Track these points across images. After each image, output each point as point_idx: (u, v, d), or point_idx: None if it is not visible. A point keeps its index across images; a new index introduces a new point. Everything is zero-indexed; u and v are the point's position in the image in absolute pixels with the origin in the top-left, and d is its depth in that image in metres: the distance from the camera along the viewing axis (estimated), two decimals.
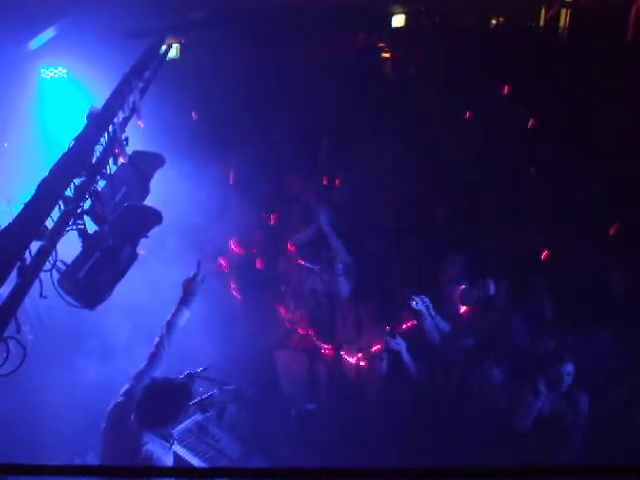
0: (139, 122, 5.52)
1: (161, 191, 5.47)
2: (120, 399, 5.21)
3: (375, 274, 7.80)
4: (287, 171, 9.78)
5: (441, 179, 8.84)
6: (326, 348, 7.65)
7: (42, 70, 9.40)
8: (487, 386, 6.35)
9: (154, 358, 5.42)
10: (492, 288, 6.96)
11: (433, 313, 6.77)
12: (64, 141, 4.34)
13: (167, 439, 5.09)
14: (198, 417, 6.17)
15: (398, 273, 7.68)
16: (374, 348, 6.87)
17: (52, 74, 9.39)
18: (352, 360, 7.25)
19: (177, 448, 5.97)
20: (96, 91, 8.31)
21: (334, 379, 7.59)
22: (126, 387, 5.27)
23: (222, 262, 8.71)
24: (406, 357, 6.62)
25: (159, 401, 5.00)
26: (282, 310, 8.07)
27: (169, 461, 5.03)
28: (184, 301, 5.72)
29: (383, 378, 6.89)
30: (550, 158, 8.56)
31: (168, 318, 5.63)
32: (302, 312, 7.94)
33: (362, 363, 7.07)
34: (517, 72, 10.14)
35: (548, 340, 6.47)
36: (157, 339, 5.51)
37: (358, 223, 8.51)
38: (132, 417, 5.02)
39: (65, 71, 9.43)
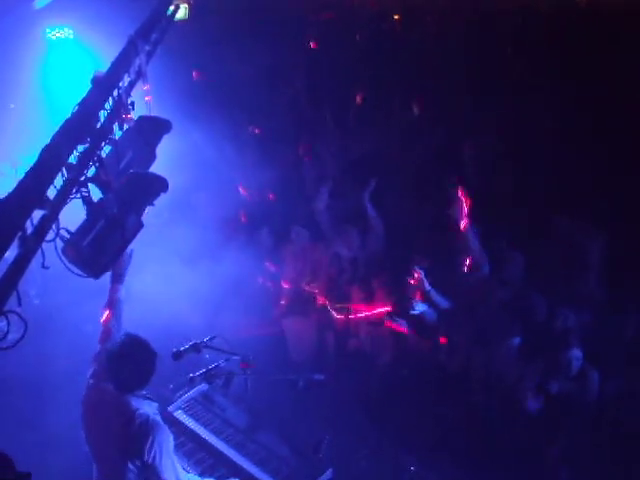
0: (146, 98, 5.37)
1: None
2: (90, 382, 5.20)
3: (391, 242, 7.72)
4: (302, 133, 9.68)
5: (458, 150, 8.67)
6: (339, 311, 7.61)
7: (48, 30, 9.23)
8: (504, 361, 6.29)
9: (106, 336, 5.39)
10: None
11: (428, 287, 6.69)
12: (69, 104, 4.23)
13: (152, 398, 5.04)
14: (204, 387, 6.14)
15: (413, 242, 7.59)
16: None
17: (58, 35, 9.21)
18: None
19: (183, 417, 5.96)
20: (103, 53, 8.17)
21: (343, 348, 7.55)
22: (90, 370, 5.26)
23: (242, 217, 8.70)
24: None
25: (126, 362, 4.90)
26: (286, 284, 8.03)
27: (159, 419, 4.97)
28: (116, 278, 5.60)
29: (392, 350, 6.86)
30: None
31: (107, 298, 5.60)
32: (320, 281, 7.88)
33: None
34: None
35: (563, 317, 6.34)
36: (102, 318, 5.44)
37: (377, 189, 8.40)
38: (112, 389, 4.96)
39: (71, 32, 9.26)
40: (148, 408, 4.89)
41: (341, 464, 5.85)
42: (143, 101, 4.97)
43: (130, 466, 4.74)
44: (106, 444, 4.92)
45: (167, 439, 4.79)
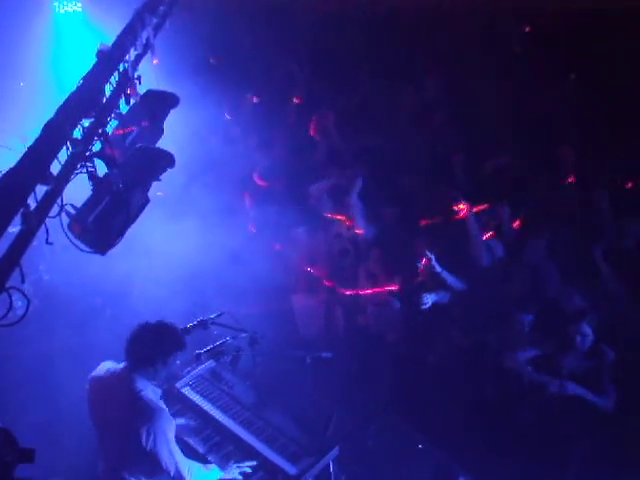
0: (153, 60, 5.31)
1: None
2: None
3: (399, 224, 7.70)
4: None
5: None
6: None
7: (56, 4, 9.12)
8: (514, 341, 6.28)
9: None
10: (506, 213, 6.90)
11: (439, 269, 6.70)
12: (78, 79, 4.18)
13: (157, 383, 5.05)
14: (211, 364, 6.13)
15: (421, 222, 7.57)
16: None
17: (67, 8, 9.11)
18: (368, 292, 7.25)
19: (190, 393, 5.96)
20: (112, 26, 8.07)
21: (351, 326, 7.53)
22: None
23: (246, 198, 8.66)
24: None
25: (146, 341, 4.98)
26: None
27: (161, 405, 4.99)
28: None
29: (400, 327, 6.84)
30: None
31: None
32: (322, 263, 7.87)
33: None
34: None
35: (575, 297, 6.31)
36: None
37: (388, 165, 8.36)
38: (120, 368, 5.01)
39: (80, 5, 9.15)
40: (152, 393, 4.90)
41: (349, 442, 5.85)
42: (150, 75, 4.92)
43: (132, 447, 4.76)
44: (109, 423, 4.96)
45: (167, 426, 4.80)
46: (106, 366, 5.18)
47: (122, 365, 5.08)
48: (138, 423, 4.70)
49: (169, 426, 4.82)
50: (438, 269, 6.66)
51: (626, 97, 7.84)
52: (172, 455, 4.83)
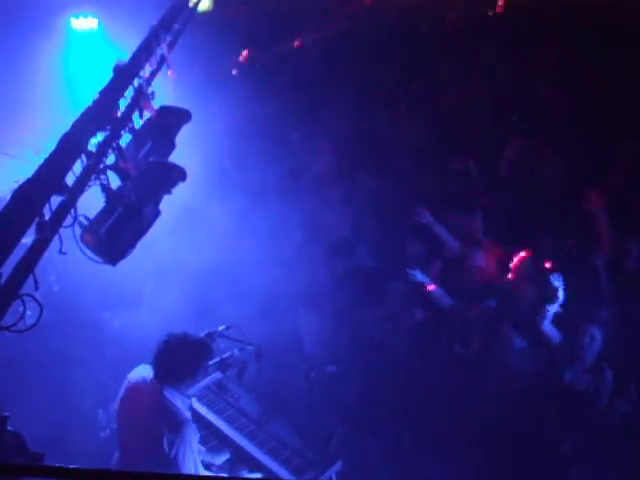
0: (169, 72, 5.39)
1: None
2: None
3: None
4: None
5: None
6: None
7: (71, 19, 9.20)
8: (505, 350, 6.33)
9: None
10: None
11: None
12: (92, 93, 4.27)
13: (188, 395, 5.12)
14: (218, 375, 6.18)
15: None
16: None
17: (82, 24, 9.18)
18: None
19: (196, 405, 6.00)
20: (127, 42, 8.14)
21: (357, 340, 7.56)
22: None
23: None
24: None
25: (176, 356, 5.02)
26: None
27: (188, 416, 5.06)
28: None
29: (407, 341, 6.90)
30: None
31: None
32: None
33: None
34: None
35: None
36: None
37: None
38: (151, 375, 5.03)
39: (95, 21, 9.24)
40: (181, 403, 4.97)
41: (352, 455, 5.88)
42: (163, 91, 5.00)
43: (155, 452, 4.82)
44: (135, 426, 5.05)
45: (193, 437, 4.88)
46: (140, 370, 5.22)
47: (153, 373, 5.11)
48: (164, 431, 4.78)
49: (194, 438, 4.91)
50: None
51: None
52: (196, 466, 4.90)
